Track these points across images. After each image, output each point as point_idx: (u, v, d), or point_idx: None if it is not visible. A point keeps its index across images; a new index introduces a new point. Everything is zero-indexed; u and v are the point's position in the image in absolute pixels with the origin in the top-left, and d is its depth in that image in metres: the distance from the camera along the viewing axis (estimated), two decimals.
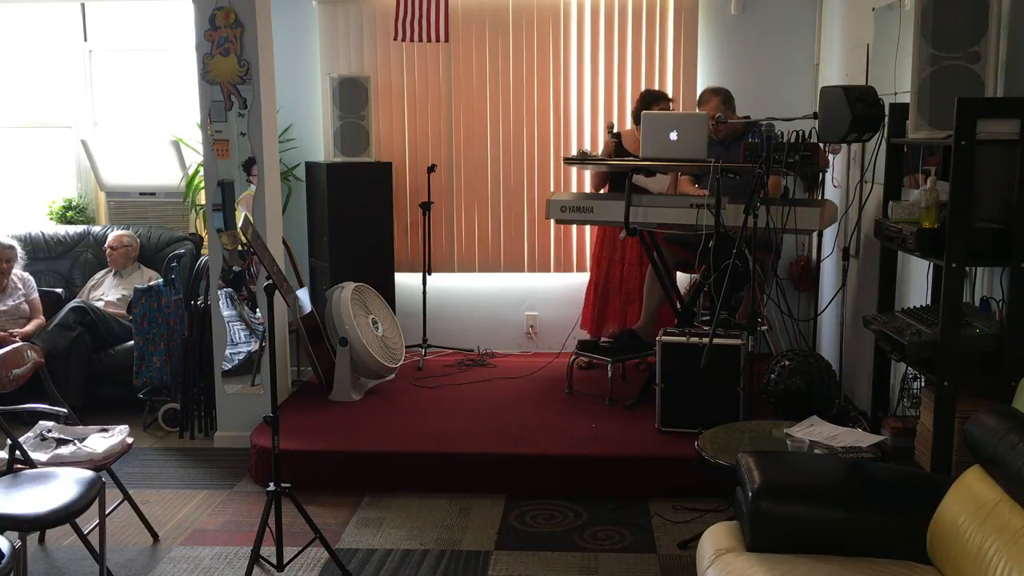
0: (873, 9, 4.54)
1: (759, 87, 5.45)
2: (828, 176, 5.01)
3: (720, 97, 5.07)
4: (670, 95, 5.74)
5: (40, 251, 5.96)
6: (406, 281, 6.09)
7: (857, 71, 4.78)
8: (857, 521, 2.62)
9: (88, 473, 3.28)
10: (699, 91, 5.81)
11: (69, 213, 6.37)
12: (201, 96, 4.78)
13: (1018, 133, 3.00)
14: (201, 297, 5.08)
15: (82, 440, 3.71)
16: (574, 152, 5.79)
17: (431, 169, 5.83)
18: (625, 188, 4.72)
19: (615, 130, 5.35)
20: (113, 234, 5.84)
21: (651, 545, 3.78)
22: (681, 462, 3.99)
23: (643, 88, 5.83)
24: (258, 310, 5.28)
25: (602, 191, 5.45)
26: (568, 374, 5.22)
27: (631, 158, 5.00)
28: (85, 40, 6.38)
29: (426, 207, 5.86)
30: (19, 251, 5.55)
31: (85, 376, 5.30)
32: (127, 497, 3.87)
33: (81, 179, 6.49)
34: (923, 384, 3.70)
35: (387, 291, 5.74)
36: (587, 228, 5.93)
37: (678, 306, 4.96)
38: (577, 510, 4.11)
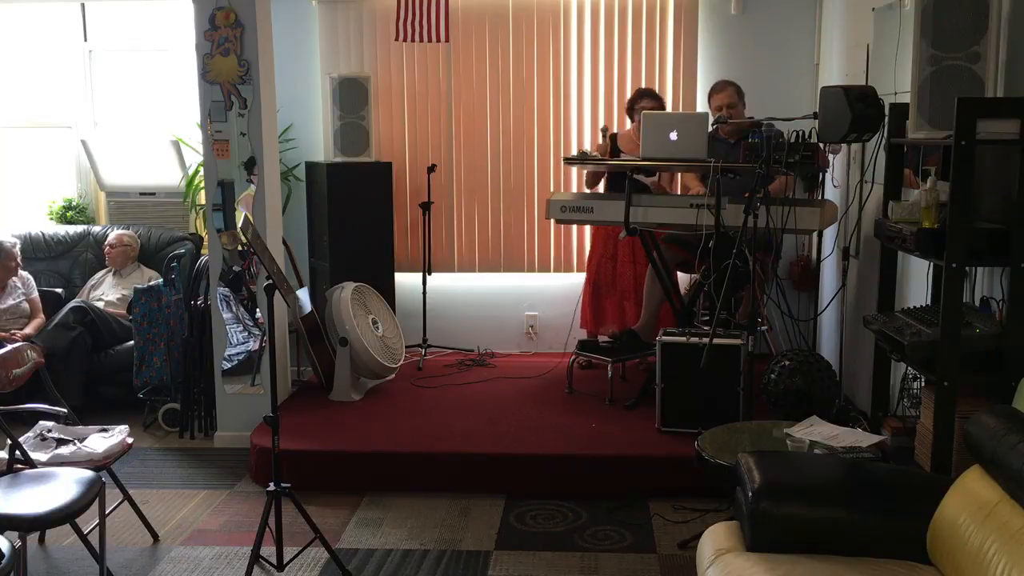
0: (873, 9, 4.54)
1: (759, 87, 5.44)
2: (828, 176, 5.00)
3: (734, 88, 5.07)
4: (668, 95, 5.78)
5: (40, 251, 5.96)
6: (406, 281, 6.09)
7: (857, 71, 4.78)
8: (857, 521, 2.62)
9: (88, 473, 3.28)
10: (699, 91, 5.83)
11: (69, 213, 6.37)
12: (201, 96, 4.78)
13: (1018, 133, 3.00)
14: (201, 297, 5.08)
15: (82, 440, 3.71)
16: (574, 152, 5.79)
17: (431, 169, 5.83)
18: (625, 187, 4.73)
19: (610, 132, 5.36)
20: (113, 233, 5.85)
21: (651, 545, 3.78)
22: (681, 462, 3.99)
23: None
24: (258, 310, 5.28)
25: (595, 189, 5.46)
26: (568, 374, 5.22)
27: (626, 157, 5.01)
28: (85, 40, 6.38)
29: (426, 207, 5.86)
30: (18, 251, 5.55)
31: (85, 376, 5.30)
32: (127, 497, 3.86)
33: (81, 179, 6.49)
34: (923, 384, 3.70)
35: (387, 291, 5.74)
36: (587, 228, 5.93)
37: (678, 306, 4.97)
38: (577, 510, 4.11)
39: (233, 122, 4.76)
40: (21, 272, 5.57)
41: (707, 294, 4.63)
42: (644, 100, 5.31)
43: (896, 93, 4.12)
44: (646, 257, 5.40)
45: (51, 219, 6.37)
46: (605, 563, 3.65)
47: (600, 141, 5.19)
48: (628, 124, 5.43)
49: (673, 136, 4.49)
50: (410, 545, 3.81)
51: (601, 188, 5.53)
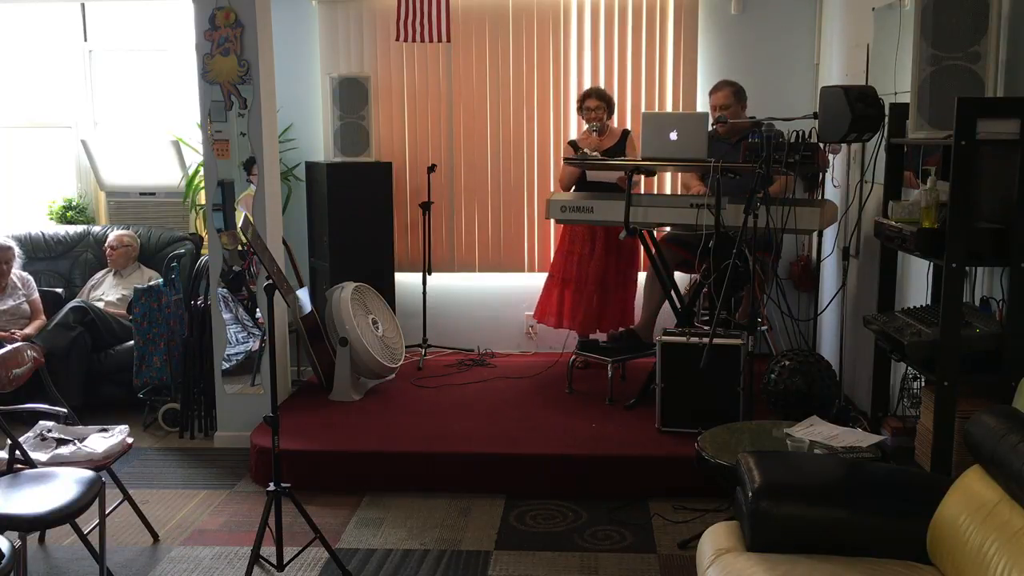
0: (873, 9, 4.54)
1: (759, 87, 5.44)
2: (828, 176, 5.01)
3: (732, 89, 5.09)
4: (668, 95, 5.83)
5: (40, 251, 5.95)
6: (406, 281, 6.09)
7: (857, 71, 4.78)
8: (857, 521, 2.62)
9: (88, 473, 3.28)
10: (699, 91, 5.84)
11: (69, 213, 6.37)
12: (201, 96, 4.78)
13: (1018, 133, 3.00)
14: (201, 297, 5.08)
15: (82, 440, 3.71)
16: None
17: (431, 169, 5.83)
18: (588, 188, 4.98)
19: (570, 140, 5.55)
20: (113, 234, 5.85)
21: (651, 545, 3.78)
22: (681, 462, 4.00)
23: (643, 88, 5.87)
24: (258, 310, 5.28)
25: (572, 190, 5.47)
26: (568, 374, 5.22)
27: (624, 157, 5.13)
28: (85, 40, 6.38)
29: (426, 207, 5.86)
30: (16, 251, 5.55)
31: (85, 376, 5.30)
32: (127, 497, 3.86)
33: (81, 179, 6.49)
34: (923, 384, 3.70)
35: (387, 291, 5.74)
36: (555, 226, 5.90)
37: (678, 306, 4.97)
38: (577, 510, 4.11)
39: (233, 122, 4.76)
40: (22, 273, 5.57)
41: (707, 294, 4.63)
42: (590, 100, 5.36)
43: (896, 93, 4.12)
44: (605, 254, 5.40)
45: (51, 219, 6.37)
46: (605, 563, 3.64)
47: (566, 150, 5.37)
48: (584, 125, 5.46)
49: (673, 136, 4.50)
50: (410, 545, 3.81)
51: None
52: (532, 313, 6.15)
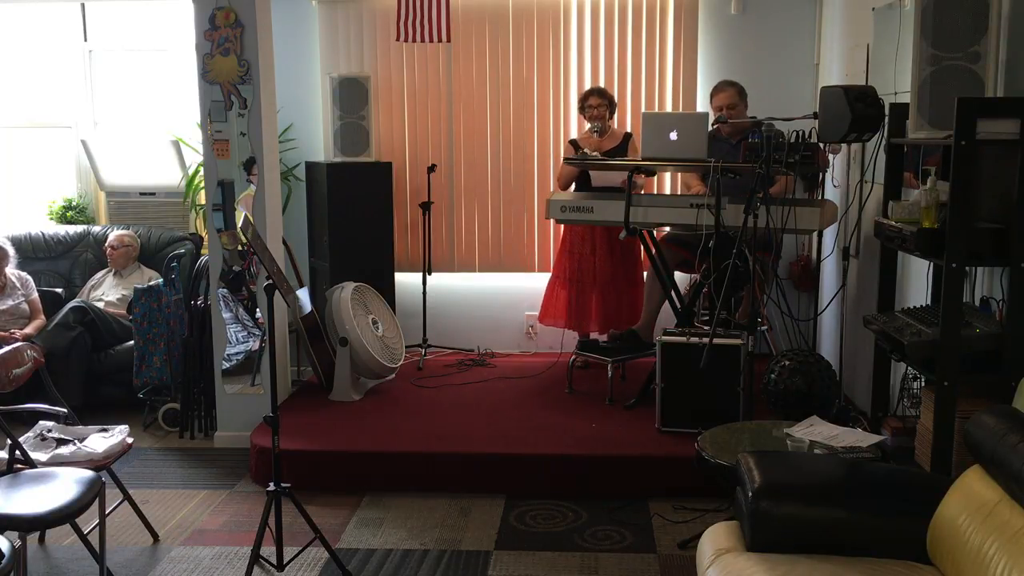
0: (873, 9, 4.54)
1: (759, 87, 5.44)
2: (828, 176, 5.01)
3: (735, 89, 5.10)
4: (668, 95, 5.83)
5: (40, 251, 5.96)
6: (406, 281, 6.09)
7: (857, 71, 4.78)
8: (857, 521, 2.62)
9: (88, 473, 3.28)
10: (699, 91, 5.84)
11: (69, 213, 6.37)
12: (201, 96, 4.78)
13: (1018, 133, 3.01)
14: (201, 297, 5.08)
15: (82, 440, 3.71)
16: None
17: (431, 169, 5.82)
18: (589, 188, 5.01)
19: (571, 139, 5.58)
20: (114, 234, 5.85)
21: (651, 545, 3.79)
22: (681, 462, 4.00)
23: (643, 88, 5.86)
24: (258, 310, 5.28)
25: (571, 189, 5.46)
26: (568, 374, 5.22)
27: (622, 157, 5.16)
28: (85, 40, 6.38)
29: (426, 207, 5.86)
30: (11, 251, 5.54)
31: (85, 376, 5.30)
32: (127, 497, 3.86)
33: (81, 179, 6.49)
34: (923, 384, 3.70)
35: (387, 291, 5.74)
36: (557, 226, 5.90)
37: (679, 306, 4.97)
38: (577, 510, 4.11)
39: (233, 122, 4.76)
40: (21, 273, 5.56)
41: (707, 294, 4.63)
42: (592, 98, 5.37)
43: (896, 93, 4.12)
44: (610, 254, 5.40)
45: (51, 219, 6.37)
46: (605, 563, 3.65)
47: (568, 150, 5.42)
48: (585, 125, 5.47)
49: (673, 136, 4.50)
50: (410, 545, 3.81)
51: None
52: (532, 313, 6.16)
